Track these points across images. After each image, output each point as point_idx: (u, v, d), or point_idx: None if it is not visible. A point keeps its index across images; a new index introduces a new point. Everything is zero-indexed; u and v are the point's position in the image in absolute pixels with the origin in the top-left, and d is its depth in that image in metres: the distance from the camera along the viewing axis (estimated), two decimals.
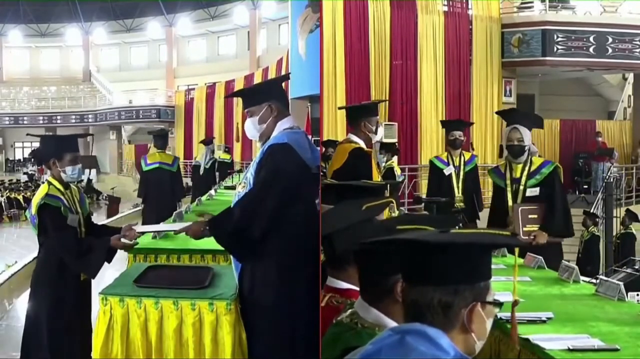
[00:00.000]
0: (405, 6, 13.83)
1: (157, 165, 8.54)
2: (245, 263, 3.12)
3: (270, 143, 3.14)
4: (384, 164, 8.69)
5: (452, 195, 6.59)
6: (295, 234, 3.03)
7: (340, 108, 11.80)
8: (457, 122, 7.88)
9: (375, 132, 4.41)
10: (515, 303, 1.53)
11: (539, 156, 5.85)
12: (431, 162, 6.95)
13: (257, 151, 3.43)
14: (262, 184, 3.05)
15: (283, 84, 3.72)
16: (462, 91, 14.31)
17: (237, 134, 18.55)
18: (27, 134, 5.84)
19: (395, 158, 9.48)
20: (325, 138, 11.25)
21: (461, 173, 6.71)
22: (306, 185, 3.11)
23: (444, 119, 14.07)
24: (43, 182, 4.04)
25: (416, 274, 1.43)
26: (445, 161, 6.77)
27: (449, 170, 6.69)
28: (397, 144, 10.12)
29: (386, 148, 8.87)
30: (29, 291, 4.53)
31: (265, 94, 3.27)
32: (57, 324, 3.77)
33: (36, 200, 3.87)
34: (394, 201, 2.42)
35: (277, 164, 3.04)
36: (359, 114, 4.48)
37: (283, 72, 18.34)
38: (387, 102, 13.18)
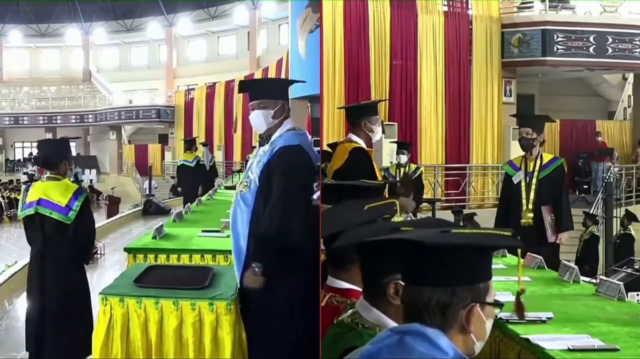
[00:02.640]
0: (405, 6, 13.82)
1: (182, 162, 11.99)
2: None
3: (282, 145, 3.14)
4: (399, 162, 8.82)
5: (519, 208, 5.54)
6: (296, 234, 3.03)
7: (340, 108, 11.78)
8: (525, 117, 6.23)
9: (383, 131, 4.43)
10: (521, 292, 1.56)
11: None
12: (504, 168, 5.90)
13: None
14: (290, 193, 3.05)
15: None
16: (462, 91, 14.30)
17: (236, 126, 18.70)
18: (65, 137, 6.08)
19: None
20: (325, 138, 11.23)
21: (533, 181, 5.50)
22: (313, 186, 3.13)
23: (443, 119, 14.09)
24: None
25: (414, 274, 1.43)
26: (518, 165, 5.64)
27: (517, 177, 5.59)
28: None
29: (404, 146, 9.00)
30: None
31: (282, 92, 3.36)
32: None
33: (73, 192, 4.41)
34: (396, 202, 2.39)
35: (298, 169, 3.08)
36: (359, 113, 4.47)
37: (283, 72, 18.33)
38: (387, 102, 13.18)
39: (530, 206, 5.48)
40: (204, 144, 13.42)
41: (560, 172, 5.54)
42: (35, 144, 30.81)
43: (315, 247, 2.74)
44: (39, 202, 4.37)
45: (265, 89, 3.38)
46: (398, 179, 8.22)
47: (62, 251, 4.35)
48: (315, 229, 2.67)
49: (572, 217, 5.67)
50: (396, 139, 12.53)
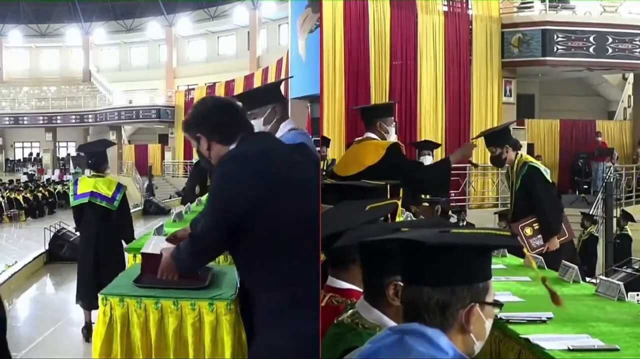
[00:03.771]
0: (405, 6, 13.83)
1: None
2: None
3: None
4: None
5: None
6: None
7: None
8: (485, 136, 5.64)
9: (396, 133, 4.45)
10: (544, 280, 1.53)
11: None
12: None
13: None
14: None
15: (282, 87, 3.75)
16: (462, 91, 14.31)
17: None
18: (105, 144, 7.07)
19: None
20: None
21: (513, 194, 5.54)
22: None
23: (443, 119, 14.09)
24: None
25: (413, 274, 1.43)
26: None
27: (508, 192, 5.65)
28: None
29: (428, 146, 7.90)
30: (29, 290, 4.63)
31: (269, 97, 3.32)
32: None
33: (115, 186, 5.94)
34: (398, 202, 2.39)
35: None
36: (375, 114, 4.50)
37: (283, 72, 18.33)
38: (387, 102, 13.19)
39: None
40: None
41: (530, 179, 5.32)
42: (33, 145, 30.85)
43: (315, 246, 2.73)
44: (92, 194, 5.82)
45: (250, 100, 3.35)
46: None
47: (108, 231, 5.85)
48: (315, 229, 2.67)
49: (564, 218, 5.49)
50: (396, 139, 12.52)
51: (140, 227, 13.47)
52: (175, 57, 30.51)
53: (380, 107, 4.99)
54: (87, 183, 5.94)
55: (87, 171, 6.36)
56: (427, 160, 7.37)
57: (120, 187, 5.99)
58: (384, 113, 4.48)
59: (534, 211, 5.36)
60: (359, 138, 4.62)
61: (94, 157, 6.12)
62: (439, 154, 13.91)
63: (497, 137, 5.49)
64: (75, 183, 6.04)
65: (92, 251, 5.82)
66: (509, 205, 6.01)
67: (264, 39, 28.21)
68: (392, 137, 4.48)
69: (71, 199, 6.02)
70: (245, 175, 2.35)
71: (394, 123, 4.52)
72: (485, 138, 5.55)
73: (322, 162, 7.25)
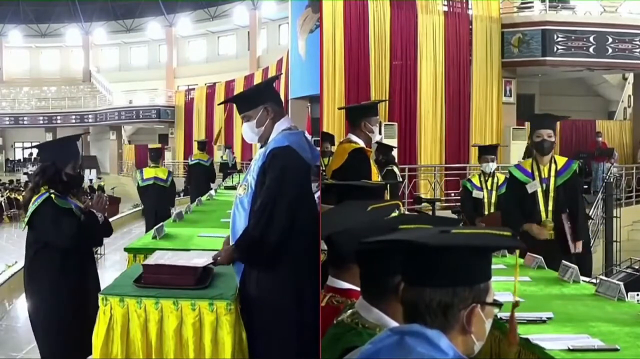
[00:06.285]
0: (405, 6, 13.83)
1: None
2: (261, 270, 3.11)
3: (272, 147, 3.11)
4: (484, 171, 6.75)
5: (535, 221, 4.93)
6: (298, 235, 3.02)
7: (340, 108, 11.79)
8: (547, 117, 5.33)
9: (379, 133, 4.42)
10: (515, 304, 1.50)
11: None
12: (513, 173, 5.14)
13: (256, 150, 3.43)
14: (271, 192, 3.01)
15: (279, 85, 3.73)
16: (462, 91, 14.30)
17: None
18: (162, 147, 9.87)
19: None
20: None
21: (551, 188, 4.90)
22: (309, 186, 3.10)
23: (443, 119, 14.09)
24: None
25: (415, 275, 1.43)
26: (529, 171, 5.01)
27: (533, 186, 4.95)
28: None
29: (491, 150, 6.98)
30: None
31: (260, 97, 3.24)
32: None
33: (167, 172, 9.09)
34: (400, 203, 2.40)
35: (283, 170, 3.02)
36: (359, 114, 4.47)
37: (283, 72, 18.32)
38: (387, 102, 13.18)
39: (550, 217, 4.90)
40: (226, 147, 14.18)
41: (577, 177, 5.04)
42: (34, 145, 30.82)
43: (315, 247, 2.73)
44: (155, 178, 8.81)
45: (242, 102, 3.31)
46: (485, 193, 6.64)
47: (162, 200, 8.86)
48: (315, 229, 2.67)
49: None
50: (396, 139, 12.52)
51: (140, 227, 13.46)
52: (175, 57, 30.50)
53: (364, 107, 4.92)
54: (149, 171, 8.95)
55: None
56: (491, 166, 6.63)
57: (170, 173, 9.22)
58: (368, 112, 4.44)
59: (568, 210, 4.99)
60: (341, 140, 4.62)
61: (154, 152, 9.23)
62: (432, 154, 13.96)
63: (556, 124, 5.13)
64: (141, 172, 9.16)
65: (153, 211, 8.70)
66: None
67: (264, 39, 28.21)
68: (377, 137, 4.47)
69: (139, 182, 9.03)
70: None
71: (379, 123, 4.48)
72: (549, 119, 5.19)
73: (325, 159, 7.25)
